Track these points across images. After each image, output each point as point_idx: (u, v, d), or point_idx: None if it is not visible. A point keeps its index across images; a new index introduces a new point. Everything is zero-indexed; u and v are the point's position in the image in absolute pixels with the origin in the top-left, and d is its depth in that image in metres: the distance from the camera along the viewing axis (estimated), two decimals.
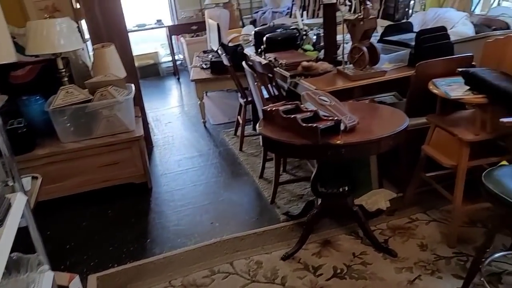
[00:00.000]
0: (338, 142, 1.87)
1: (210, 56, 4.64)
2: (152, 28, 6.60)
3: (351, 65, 2.60)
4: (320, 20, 3.35)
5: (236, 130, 4.00)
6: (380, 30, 3.09)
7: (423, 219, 2.48)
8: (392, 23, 3.72)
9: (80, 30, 3.35)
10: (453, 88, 2.15)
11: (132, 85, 3.25)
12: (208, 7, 6.21)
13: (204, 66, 4.45)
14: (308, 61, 2.74)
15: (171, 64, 6.73)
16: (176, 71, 6.61)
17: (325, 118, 1.97)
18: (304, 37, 3.28)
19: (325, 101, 2.10)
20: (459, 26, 3.19)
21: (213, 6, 6.01)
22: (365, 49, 2.46)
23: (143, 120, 3.53)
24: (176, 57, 6.72)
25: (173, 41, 6.55)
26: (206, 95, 5.19)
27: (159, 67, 6.82)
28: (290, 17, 5.58)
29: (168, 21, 6.79)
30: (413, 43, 2.61)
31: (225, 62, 3.46)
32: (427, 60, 2.34)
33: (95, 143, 2.97)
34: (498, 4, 3.94)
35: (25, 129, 2.84)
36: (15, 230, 1.40)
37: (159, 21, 6.58)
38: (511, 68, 2.14)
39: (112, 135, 3.02)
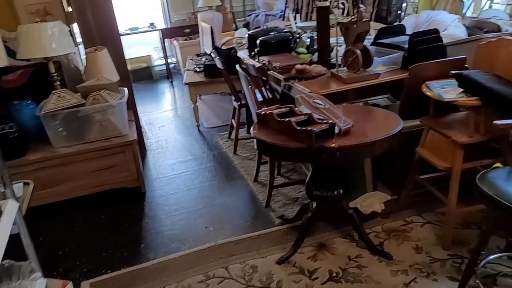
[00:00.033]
0: (333, 145, 1.87)
1: (203, 59, 4.63)
2: (145, 31, 6.58)
3: (345, 68, 2.60)
4: (314, 23, 3.35)
5: (230, 133, 3.99)
6: (373, 33, 3.09)
7: (418, 222, 2.49)
8: (385, 25, 3.73)
9: (72, 34, 3.33)
10: (447, 90, 2.16)
11: (125, 88, 3.23)
12: (201, 10, 6.21)
13: (198, 69, 4.44)
14: (301, 64, 2.74)
15: (164, 67, 6.71)
16: (169, 74, 6.60)
17: (320, 121, 1.96)
18: (298, 40, 3.28)
19: (319, 104, 2.09)
20: (452, 28, 3.21)
21: (206, 9, 6.00)
22: (358, 52, 2.47)
23: (136, 124, 3.51)
24: (169, 60, 6.70)
25: (166, 44, 6.54)
26: (200, 98, 5.18)
27: (152, 71, 6.80)
28: (283, 20, 5.59)
29: (161, 24, 6.78)
30: (406, 46, 2.62)
31: (219, 65, 3.45)
32: (420, 62, 2.34)
33: (87, 147, 2.94)
34: (490, 6, 3.97)
35: (17, 134, 2.81)
36: (6, 237, 1.38)
37: (151, 24, 6.57)
38: (503, 70, 2.15)
39: (105, 140, 3.00)
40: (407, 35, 2.82)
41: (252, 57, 3.30)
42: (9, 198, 1.62)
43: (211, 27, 4.55)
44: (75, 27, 3.58)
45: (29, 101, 2.99)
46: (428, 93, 2.21)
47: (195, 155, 3.76)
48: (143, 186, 3.18)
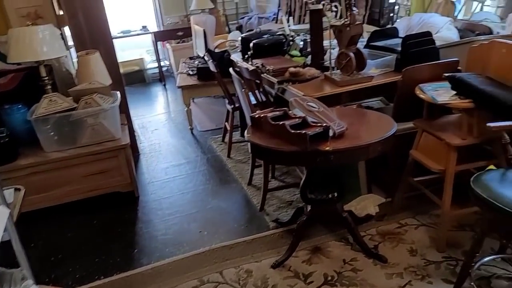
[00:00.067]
0: (327, 148, 1.86)
1: (196, 62, 4.61)
2: (138, 34, 6.54)
3: (338, 70, 2.60)
4: (307, 26, 3.35)
5: (223, 137, 3.97)
6: (366, 35, 3.10)
7: (412, 224, 2.49)
8: (377, 28, 3.74)
9: (63, 37, 3.31)
10: (440, 93, 2.17)
11: (118, 92, 3.21)
12: (193, 13, 6.19)
13: (191, 73, 4.42)
14: (295, 67, 2.74)
15: (157, 70, 6.68)
16: (162, 77, 6.57)
17: (314, 124, 1.96)
18: (291, 43, 3.28)
19: (313, 107, 2.09)
20: (444, 31, 3.23)
21: (199, 12, 5.99)
22: (352, 54, 2.47)
23: (129, 127, 3.48)
24: (162, 63, 6.68)
25: (159, 47, 6.51)
26: (193, 101, 5.16)
27: (145, 74, 6.76)
28: (276, 22, 5.60)
29: (153, 27, 6.75)
30: (399, 49, 2.63)
31: (212, 68, 3.44)
32: (413, 65, 2.35)
33: (80, 152, 2.91)
34: (481, 9, 4.00)
35: (7, 139, 2.77)
36: None
37: (144, 27, 6.53)
38: (495, 73, 2.16)
39: (97, 144, 2.97)
40: (400, 37, 2.83)
41: (245, 60, 3.29)
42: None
43: (204, 30, 4.54)
44: (67, 30, 3.55)
45: (20, 105, 2.96)
46: (422, 96, 2.21)
47: (189, 158, 3.74)
48: (136, 190, 3.15)
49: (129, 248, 2.58)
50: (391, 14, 4.48)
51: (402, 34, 3.08)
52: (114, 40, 3.65)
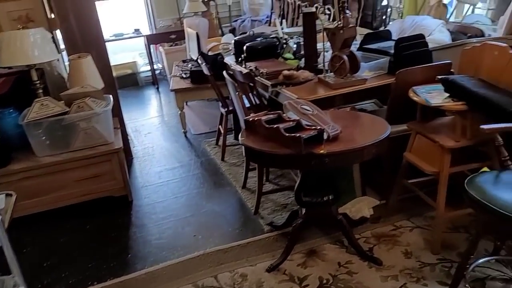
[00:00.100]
0: (322, 151, 1.86)
1: (189, 65, 4.60)
2: (130, 38, 6.53)
3: (332, 73, 2.61)
4: (300, 29, 3.36)
5: (217, 140, 3.96)
6: (359, 38, 3.11)
7: (407, 226, 2.49)
8: (370, 31, 3.75)
9: (55, 41, 3.28)
10: (433, 95, 2.18)
11: (110, 96, 3.19)
12: (186, 16, 6.18)
13: (184, 76, 4.41)
14: (289, 69, 2.74)
15: (149, 73, 6.65)
16: (155, 80, 6.54)
17: (308, 127, 1.95)
18: (284, 45, 3.28)
19: (308, 110, 2.08)
20: (436, 33, 3.24)
21: (192, 15, 5.98)
22: (345, 57, 2.47)
23: (122, 131, 3.46)
24: (155, 67, 6.65)
25: (152, 50, 6.49)
26: (186, 104, 5.14)
27: (138, 77, 6.73)
28: (270, 25, 5.60)
29: (146, 30, 6.73)
30: (392, 51, 2.64)
31: (205, 71, 3.43)
32: (406, 67, 2.36)
33: (72, 156, 2.89)
34: (472, 12, 4.03)
35: None
36: None
37: (137, 30, 6.52)
38: (488, 75, 2.18)
39: (90, 148, 2.95)
40: (393, 40, 2.84)
41: (239, 63, 3.29)
42: None
43: (197, 33, 4.53)
44: (58, 33, 3.53)
45: (12, 110, 2.93)
46: (415, 98, 2.22)
47: (182, 162, 3.73)
48: (129, 194, 3.13)
49: (123, 253, 2.55)
50: (384, 17, 4.50)
51: (394, 36, 3.09)
52: (106, 43, 3.63)
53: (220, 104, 3.62)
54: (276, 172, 3.25)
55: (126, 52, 6.86)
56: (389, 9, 4.55)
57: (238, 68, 3.12)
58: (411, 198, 2.57)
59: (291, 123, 2.00)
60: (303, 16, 2.85)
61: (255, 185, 2.88)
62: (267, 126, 2.01)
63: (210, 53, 4.44)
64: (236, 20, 6.77)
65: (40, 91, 2.97)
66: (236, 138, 3.81)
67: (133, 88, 6.57)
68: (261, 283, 2.18)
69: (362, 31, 3.53)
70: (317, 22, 2.81)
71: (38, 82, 2.94)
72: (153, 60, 6.54)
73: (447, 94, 2.13)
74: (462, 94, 2.06)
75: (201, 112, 5.06)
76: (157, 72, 6.74)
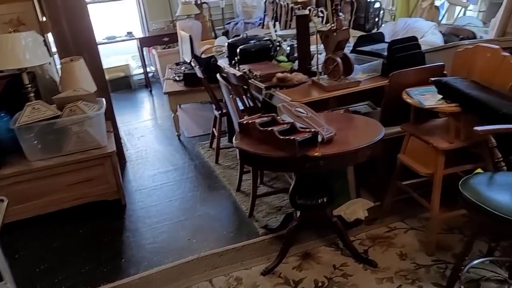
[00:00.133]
0: (316, 154, 1.86)
1: (183, 68, 4.58)
2: (123, 40, 6.49)
3: (326, 75, 2.61)
4: (293, 31, 3.36)
5: (211, 143, 3.94)
6: (352, 40, 3.12)
7: (402, 228, 2.49)
8: (363, 33, 3.76)
9: (46, 44, 3.25)
10: (426, 97, 2.18)
11: (103, 99, 3.16)
12: (179, 18, 6.16)
13: (177, 78, 4.39)
14: (282, 72, 2.74)
15: (142, 76, 6.62)
16: (148, 83, 6.52)
17: (302, 130, 1.95)
18: (278, 48, 3.28)
19: (302, 113, 2.08)
20: (429, 35, 3.26)
21: (185, 17, 5.97)
22: (339, 60, 2.47)
23: (115, 134, 3.44)
24: (148, 69, 6.62)
25: (145, 53, 6.46)
26: (180, 107, 5.12)
27: (131, 80, 6.70)
28: (263, 28, 5.60)
29: (139, 33, 6.70)
30: (385, 53, 2.65)
31: (199, 74, 3.42)
32: (399, 69, 2.36)
33: (65, 160, 2.86)
34: (464, 14, 4.06)
35: None
36: None
37: (129, 33, 6.49)
38: (480, 77, 2.19)
39: (83, 152, 2.92)
40: (386, 42, 2.84)
41: (232, 65, 3.28)
42: None
43: (190, 35, 4.51)
44: (50, 36, 3.50)
45: (3, 114, 2.91)
46: (409, 100, 2.22)
47: (176, 165, 3.71)
48: (123, 198, 3.10)
49: (117, 258, 2.53)
50: (376, 19, 4.52)
51: (387, 39, 3.10)
52: (99, 46, 3.60)
53: (214, 107, 3.61)
54: (271, 175, 3.24)
55: (119, 55, 6.82)
56: (381, 12, 4.57)
57: (231, 70, 3.11)
58: (405, 199, 2.57)
59: (285, 125, 1.99)
60: (296, 18, 2.85)
61: (249, 188, 2.87)
62: (261, 129, 2.00)
63: (203, 56, 4.42)
64: (229, 23, 6.77)
65: (32, 94, 2.94)
66: (230, 140, 3.80)
67: (126, 91, 6.54)
68: (256, 287, 2.17)
69: (355, 34, 3.54)
70: (310, 24, 2.81)
71: (30, 85, 2.92)
72: (146, 63, 6.51)
73: (441, 96, 2.14)
74: (455, 96, 2.07)
75: (194, 115, 5.04)
76: (150, 75, 6.72)
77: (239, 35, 3.84)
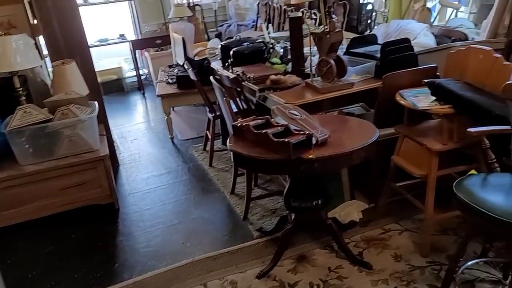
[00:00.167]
0: (311, 156, 1.85)
1: (176, 70, 4.57)
2: (115, 43, 6.46)
3: (319, 77, 2.60)
4: (286, 33, 3.36)
5: (205, 145, 3.92)
6: (345, 42, 3.12)
7: (396, 229, 2.49)
8: (356, 35, 3.78)
9: (37, 47, 3.22)
10: (420, 99, 2.19)
11: (95, 102, 3.14)
12: (172, 20, 6.15)
13: (170, 81, 4.37)
14: (276, 74, 2.73)
15: (135, 79, 6.58)
16: (141, 86, 6.48)
17: (297, 132, 1.94)
18: (271, 50, 3.28)
19: (296, 115, 2.08)
20: (421, 37, 3.28)
21: (177, 19, 5.95)
22: (332, 62, 2.47)
23: (108, 138, 3.41)
24: (141, 72, 6.59)
25: (137, 56, 6.43)
26: (173, 110, 5.10)
27: (123, 82, 6.65)
28: (256, 30, 5.60)
29: (131, 36, 6.67)
30: (378, 55, 2.65)
31: (192, 76, 3.40)
32: (392, 71, 2.37)
33: (57, 164, 2.83)
34: (456, 16, 4.09)
35: None
36: None
37: (122, 35, 6.45)
38: (473, 78, 2.20)
39: (75, 155, 2.89)
40: (379, 44, 2.85)
41: (225, 68, 3.27)
42: None
43: (183, 38, 4.50)
44: (41, 39, 3.47)
45: None
46: (402, 102, 2.23)
47: (170, 168, 3.68)
48: (116, 202, 3.08)
49: (110, 262, 2.50)
50: (369, 21, 4.54)
51: (380, 40, 3.11)
52: (91, 49, 3.58)
53: (207, 109, 3.59)
54: (265, 177, 3.23)
55: (111, 58, 6.78)
56: (374, 13, 4.59)
57: (225, 73, 3.10)
58: (400, 201, 2.57)
59: (279, 128, 1.99)
60: (289, 20, 2.85)
61: (243, 190, 2.86)
62: (255, 131, 2.00)
63: (196, 58, 4.41)
64: (222, 25, 6.76)
65: (23, 98, 2.91)
66: (223, 143, 3.79)
67: (118, 94, 6.49)
68: None
69: (347, 36, 3.55)
70: (304, 26, 2.81)
71: (21, 89, 2.89)
72: (139, 65, 6.48)
73: (434, 98, 2.14)
74: (448, 97, 2.07)
75: (188, 118, 5.02)
76: (142, 77, 6.68)
77: (232, 37, 3.84)
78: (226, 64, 3.25)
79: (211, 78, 2.89)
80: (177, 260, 2.44)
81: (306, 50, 2.87)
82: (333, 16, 2.44)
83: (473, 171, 2.12)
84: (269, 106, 2.52)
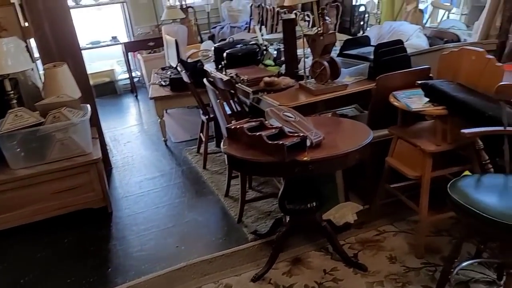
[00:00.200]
0: (305, 158, 1.85)
1: (169, 72, 4.55)
2: (107, 45, 6.43)
3: (313, 79, 2.60)
4: (280, 35, 3.36)
5: (199, 148, 3.91)
6: (338, 44, 3.12)
7: (391, 231, 2.49)
8: (349, 36, 3.79)
9: (29, 50, 3.19)
10: (413, 100, 2.19)
11: (88, 105, 3.12)
12: (164, 23, 6.13)
13: (163, 83, 4.36)
14: (269, 76, 2.73)
15: (128, 81, 6.55)
16: (134, 88, 6.45)
17: (291, 134, 1.94)
18: (265, 52, 3.27)
19: (290, 117, 2.07)
20: (414, 38, 3.29)
21: (170, 21, 5.93)
22: (326, 63, 2.47)
23: (100, 141, 3.38)
24: (133, 74, 6.56)
25: (130, 58, 6.40)
26: (166, 112, 5.07)
27: (116, 85, 6.62)
28: (249, 32, 5.60)
29: (123, 38, 6.64)
30: (372, 57, 2.65)
31: (185, 79, 3.39)
32: (386, 73, 2.37)
33: (48, 168, 2.81)
34: (448, 17, 4.11)
35: None
36: None
37: (114, 37, 6.42)
38: (466, 79, 2.20)
39: (67, 159, 2.87)
40: (372, 46, 2.86)
41: (219, 70, 3.26)
42: None
43: (175, 40, 4.48)
44: (33, 42, 3.44)
45: None
46: (396, 103, 2.23)
47: (163, 171, 3.66)
48: (109, 206, 3.05)
49: (103, 267, 2.48)
50: (362, 23, 4.55)
51: (373, 42, 3.12)
52: (83, 51, 3.56)
53: (201, 112, 3.58)
54: (259, 180, 3.22)
55: (104, 60, 6.75)
56: (366, 15, 4.61)
57: (218, 75, 3.09)
58: (394, 202, 2.57)
59: (273, 130, 1.98)
60: (282, 22, 2.84)
61: (238, 193, 2.85)
62: (250, 134, 1.99)
63: (189, 60, 4.40)
64: (215, 27, 6.75)
65: (14, 101, 2.89)
66: (217, 145, 3.78)
67: (111, 96, 6.46)
68: None
69: (341, 37, 3.56)
70: (297, 28, 2.80)
71: (12, 92, 2.86)
72: (132, 67, 6.45)
73: (427, 99, 2.15)
74: (441, 98, 2.08)
75: (181, 120, 5.00)
76: (135, 80, 6.65)
77: (225, 39, 3.83)
78: (220, 66, 3.24)
79: (205, 80, 2.88)
80: (171, 264, 2.42)
81: (299, 52, 2.87)
82: (327, 18, 2.44)
83: (467, 172, 2.13)
84: (263, 108, 2.51)
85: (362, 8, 4.64)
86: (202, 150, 3.69)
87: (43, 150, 2.82)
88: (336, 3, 4.46)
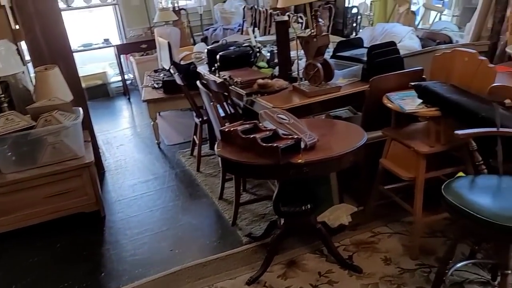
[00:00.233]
0: (300, 161, 1.84)
1: (161, 75, 4.53)
2: (100, 48, 6.38)
3: (306, 81, 2.60)
4: (273, 37, 3.35)
5: (192, 150, 3.89)
6: (331, 46, 3.13)
7: (385, 232, 2.49)
8: (342, 38, 3.79)
9: (19, 52, 3.16)
10: (407, 101, 2.20)
11: (80, 108, 3.09)
12: (157, 25, 6.11)
13: (156, 86, 4.33)
14: (263, 78, 2.72)
15: (120, 84, 6.51)
16: (126, 91, 6.41)
17: (285, 137, 1.93)
18: (258, 54, 3.27)
19: (284, 119, 2.07)
20: (406, 40, 3.30)
21: (163, 24, 5.91)
22: (319, 65, 2.47)
23: (93, 144, 3.36)
24: (126, 77, 6.52)
25: (122, 60, 6.36)
26: (159, 115, 5.05)
27: (108, 88, 6.58)
28: (242, 33, 5.59)
29: (116, 40, 6.60)
30: (365, 58, 2.66)
31: (178, 81, 3.37)
32: (379, 74, 2.38)
33: (40, 172, 2.78)
34: (440, 19, 4.13)
35: None
36: None
37: (106, 40, 6.38)
38: (459, 81, 2.21)
39: (59, 163, 2.84)
40: (365, 47, 2.86)
41: (212, 72, 3.25)
42: None
43: (168, 42, 4.47)
44: (23, 45, 3.40)
45: None
46: (389, 105, 2.23)
47: (157, 174, 3.64)
48: (102, 210, 3.03)
49: (96, 272, 2.46)
50: (354, 24, 4.57)
51: (366, 44, 3.12)
52: (74, 54, 3.53)
53: (194, 114, 3.56)
54: (254, 182, 3.20)
55: (96, 63, 6.71)
56: (359, 17, 4.62)
57: (211, 77, 3.08)
58: (388, 204, 2.57)
59: (267, 132, 1.98)
60: (276, 24, 2.84)
61: (232, 195, 2.84)
62: (244, 136, 1.98)
63: (182, 63, 4.38)
64: (208, 29, 6.74)
65: (5, 105, 2.86)
66: (211, 148, 3.76)
67: (103, 99, 6.41)
68: None
69: (334, 39, 3.56)
70: (290, 30, 2.80)
71: (3, 95, 2.84)
72: (124, 70, 6.41)
73: (420, 100, 2.15)
74: (435, 100, 2.08)
75: (174, 122, 4.98)
76: (128, 82, 6.61)
77: (218, 41, 3.82)
78: (213, 68, 3.23)
79: (198, 82, 2.87)
80: (165, 267, 2.40)
81: (293, 53, 2.87)
82: (320, 20, 2.44)
83: (460, 173, 2.13)
84: (256, 111, 2.50)
85: (354, 10, 4.65)
86: (195, 152, 3.68)
87: (34, 154, 2.79)
88: (329, 5, 4.47)
